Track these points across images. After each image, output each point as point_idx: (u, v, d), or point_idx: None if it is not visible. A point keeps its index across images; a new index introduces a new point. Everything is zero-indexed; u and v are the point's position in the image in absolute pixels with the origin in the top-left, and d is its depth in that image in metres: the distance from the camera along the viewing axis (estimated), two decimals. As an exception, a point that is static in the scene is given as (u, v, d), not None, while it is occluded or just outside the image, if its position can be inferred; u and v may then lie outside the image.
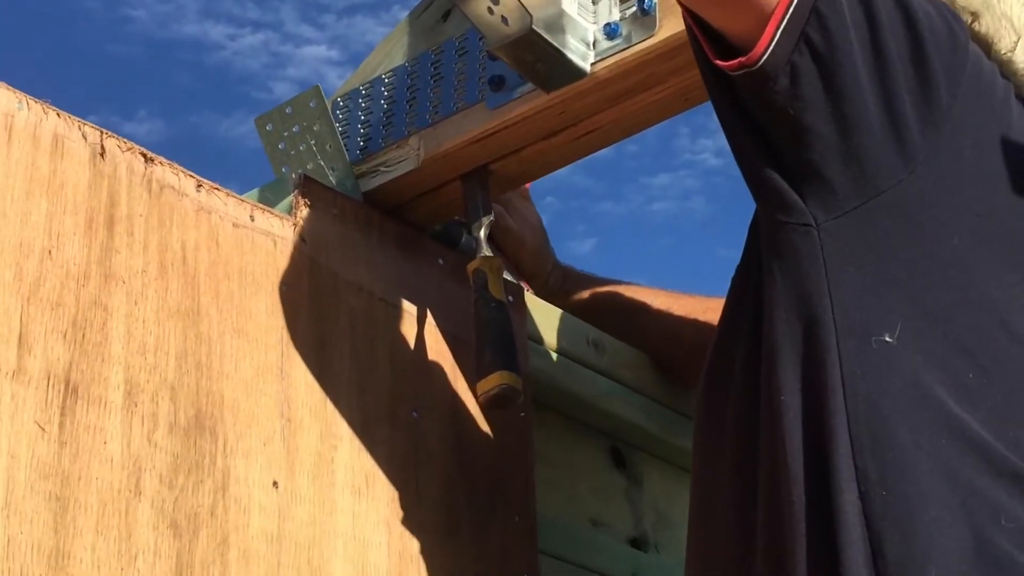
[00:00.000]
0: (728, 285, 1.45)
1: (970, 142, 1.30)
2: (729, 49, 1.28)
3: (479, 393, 1.60)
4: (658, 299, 2.01)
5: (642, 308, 2.00)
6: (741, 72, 1.26)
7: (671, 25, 1.56)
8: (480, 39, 1.73)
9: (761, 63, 1.24)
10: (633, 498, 2.11)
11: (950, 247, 1.26)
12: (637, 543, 2.08)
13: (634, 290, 2.03)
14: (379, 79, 1.83)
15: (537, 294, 1.97)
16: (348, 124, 1.82)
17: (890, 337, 1.22)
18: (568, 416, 2.02)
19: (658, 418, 2.14)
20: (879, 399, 1.21)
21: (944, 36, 1.30)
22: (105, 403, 1.39)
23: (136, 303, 1.46)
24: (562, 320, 2.01)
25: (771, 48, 1.24)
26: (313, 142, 1.79)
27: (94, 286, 1.42)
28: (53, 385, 1.35)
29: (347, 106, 1.84)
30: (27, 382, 1.33)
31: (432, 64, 1.78)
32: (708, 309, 1.90)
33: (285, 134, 1.81)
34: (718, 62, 1.28)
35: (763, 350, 1.30)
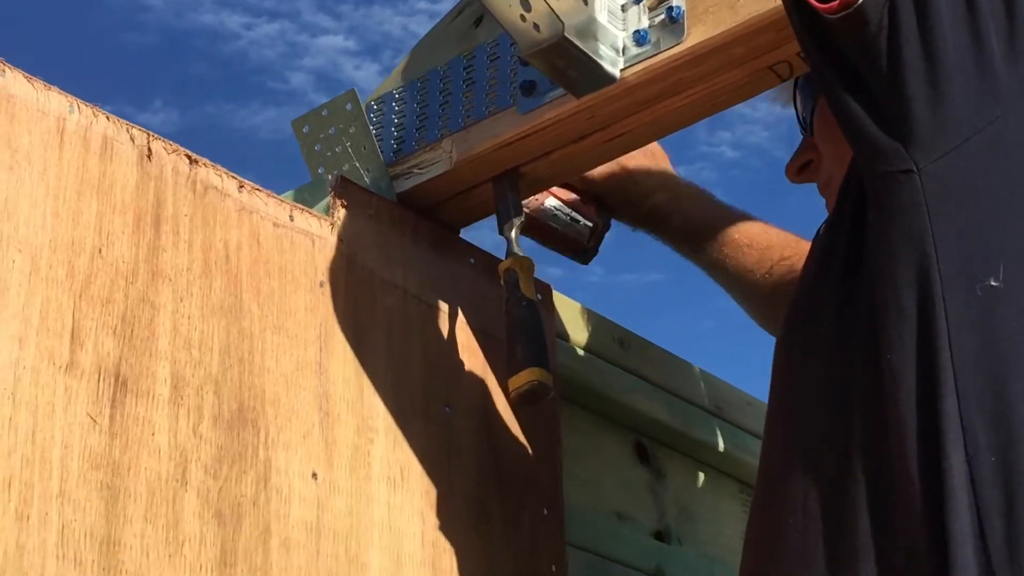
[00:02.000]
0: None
1: None
2: None
3: (511, 389, 1.65)
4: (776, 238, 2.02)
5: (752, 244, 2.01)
6: (840, 15, 1.25)
7: (699, 32, 1.61)
8: (512, 45, 1.78)
9: (861, 1, 1.25)
10: (657, 492, 2.16)
11: None
12: (660, 536, 2.13)
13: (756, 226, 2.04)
14: (413, 83, 1.88)
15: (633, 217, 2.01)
16: (382, 127, 1.87)
17: (995, 281, 1.17)
18: (594, 411, 2.07)
19: (681, 413, 2.19)
20: (986, 350, 1.16)
21: None
22: (153, 396, 1.44)
23: (182, 300, 1.51)
24: (589, 318, 2.06)
25: None
26: (349, 144, 1.84)
27: (142, 283, 1.48)
28: (104, 378, 1.41)
29: (380, 109, 1.89)
30: (79, 375, 1.39)
31: (464, 69, 1.83)
32: None
33: (321, 136, 1.86)
34: (817, 4, 1.27)
35: (862, 310, 1.25)
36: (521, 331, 1.67)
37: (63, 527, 1.32)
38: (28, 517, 1.30)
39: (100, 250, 1.45)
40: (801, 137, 1.71)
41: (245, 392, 1.54)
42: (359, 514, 1.61)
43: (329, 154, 1.86)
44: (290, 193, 1.77)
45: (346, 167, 1.84)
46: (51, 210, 1.42)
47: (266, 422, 1.55)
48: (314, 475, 1.58)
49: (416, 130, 1.85)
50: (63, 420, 1.36)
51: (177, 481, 1.44)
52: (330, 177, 1.76)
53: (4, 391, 1.31)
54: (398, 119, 1.87)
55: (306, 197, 1.75)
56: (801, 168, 1.56)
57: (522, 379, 1.63)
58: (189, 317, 1.51)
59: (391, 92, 1.90)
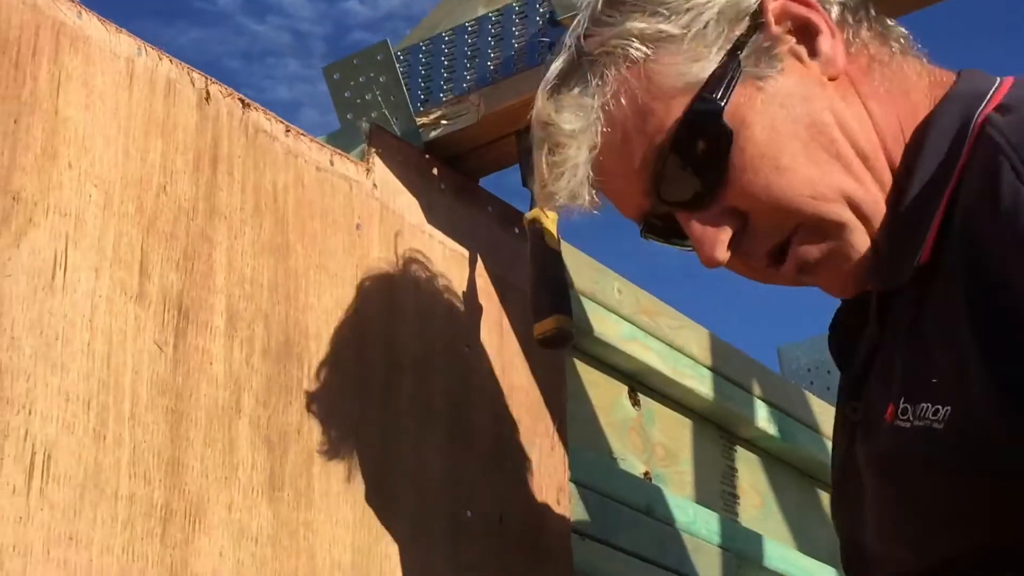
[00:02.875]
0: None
1: None
2: None
3: (536, 334, 1.74)
4: None
5: None
6: None
7: None
8: (538, 5, 1.87)
9: None
10: (646, 435, 2.27)
11: None
12: (648, 476, 2.25)
13: None
14: (439, 36, 1.96)
15: None
16: (408, 77, 1.96)
17: None
18: (593, 357, 2.18)
19: (672, 362, 2.30)
20: None
21: None
22: (211, 328, 1.53)
23: (236, 237, 1.59)
24: (593, 268, 2.17)
25: None
26: (379, 93, 1.92)
27: (201, 220, 1.56)
28: (168, 309, 1.49)
29: (407, 60, 1.97)
30: (147, 306, 1.47)
31: (492, 26, 1.92)
32: None
33: (352, 83, 1.94)
34: None
35: None
36: (546, 279, 1.77)
37: (134, 448, 1.41)
38: (104, 437, 1.38)
39: (164, 187, 1.53)
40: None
41: (291, 326, 1.62)
42: (386, 445, 1.70)
43: (359, 101, 1.94)
44: (324, 138, 1.85)
45: (375, 115, 1.92)
46: (122, 147, 1.49)
47: (309, 356, 1.64)
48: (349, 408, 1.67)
49: (443, 82, 1.93)
50: (133, 347, 1.44)
51: (232, 408, 1.52)
52: (365, 125, 1.84)
53: (83, 318, 1.40)
54: (425, 71, 1.96)
55: (341, 143, 1.83)
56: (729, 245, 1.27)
57: (548, 325, 1.73)
58: (242, 254, 1.59)
59: (418, 44, 1.98)
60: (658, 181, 1.26)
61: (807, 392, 2.70)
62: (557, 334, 1.73)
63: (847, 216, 1.24)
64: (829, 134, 1.24)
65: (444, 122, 1.91)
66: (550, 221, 1.83)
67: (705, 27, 1.25)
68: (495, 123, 1.88)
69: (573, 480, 1.99)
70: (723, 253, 1.26)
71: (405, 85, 1.94)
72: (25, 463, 1.30)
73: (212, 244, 1.56)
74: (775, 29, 1.25)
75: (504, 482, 1.86)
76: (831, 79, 1.26)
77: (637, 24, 1.25)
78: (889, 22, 1.32)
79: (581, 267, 2.14)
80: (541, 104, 1.30)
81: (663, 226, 1.30)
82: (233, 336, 1.55)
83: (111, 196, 1.46)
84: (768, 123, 1.23)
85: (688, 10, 1.25)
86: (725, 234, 1.25)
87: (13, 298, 1.34)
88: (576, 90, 1.27)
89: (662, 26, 1.25)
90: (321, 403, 1.63)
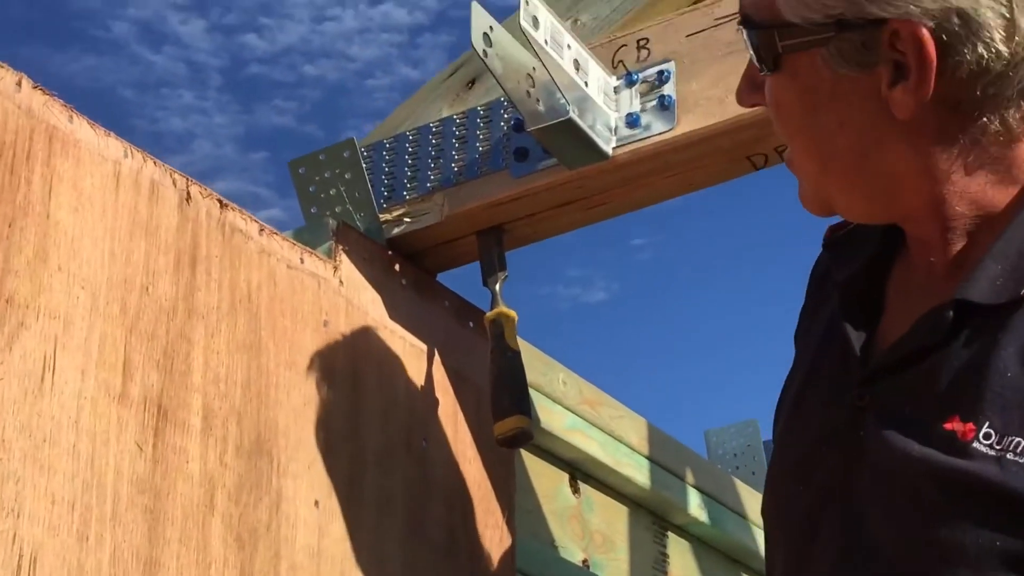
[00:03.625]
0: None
1: None
2: None
3: (497, 433, 1.80)
4: None
5: None
6: None
7: (689, 121, 1.78)
8: (504, 111, 1.94)
9: None
10: (585, 522, 2.33)
11: None
12: (586, 563, 2.31)
13: None
14: (403, 135, 2.02)
15: None
16: (372, 173, 2.01)
17: None
18: (538, 446, 2.23)
19: (612, 451, 2.37)
20: None
21: None
22: (188, 426, 1.56)
23: (212, 336, 1.63)
24: (541, 360, 2.23)
25: None
26: (344, 189, 1.97)
27: (180, 320, 1.59)
28: (148, 409, 1.52)
29: (371, 156, 2.03)
30: (129, 405, 1.50)
31: (456, 128, 1.98)
32: None
33: (317, 178, 1.99)
34: None
35: None
36: (507, 380, 1.83)
37: (115, 548, 1.44)
38: (87, 538, 1.41)
39: (147, 288, 1.56)
40: None
41: (262, 424, 1.66)
42: (352, 539, 1.74)
43: (323, 196, 1.98)
44: (290, 232, 1.90)
45: (339, 209, 1.97)
46: (108, 249, 1.53)
47: (278, 452, 1.68)
48: (316, 503, 1.71)
49: (406, 180, 1.99)
50: (116, 447, 1.47)
51: (206, 506, 1.56)
52: (332, 222, 1.88)
53: (70, 419, 1.43)
54: (388, 168, 2.01)
55: (307, 238, 1.88)
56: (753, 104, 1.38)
57: (508, 425, 1.78)
58: (218, 352, 1.63)
59: (382, 142, 2.03)
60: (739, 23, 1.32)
61: (734, 478, 2.78)
62: (517, 435, 1.79)
63: (805, 180, 1.31)
64: (853, 142, 1.26)
65: (407, 220, 1.96)
66: (510, 322, 1.89)
67: None
68: (457, 223, 1.94)
69: (518, 570, 2.04)
70: (742, 104, 1.35)
71: (369, 181, 1.99)
72: (12, 566, 1.33)
73: (191, 343, 1.60)
74: (883, 46, 1.22)
75: (457, 573, 1.90)
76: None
77: None
78: None
79: (530, 359, 2.19)
80: None
81: None
82: (208, 434, 1.59)
83: (97, 297, 1.50)
84: (807, 93, 1.26)
85: None
86: (750, 99, 1.33)
87: (5, 401, 1.37)
88: None
89: None
90: (288, 499, 1.67)
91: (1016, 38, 1.18)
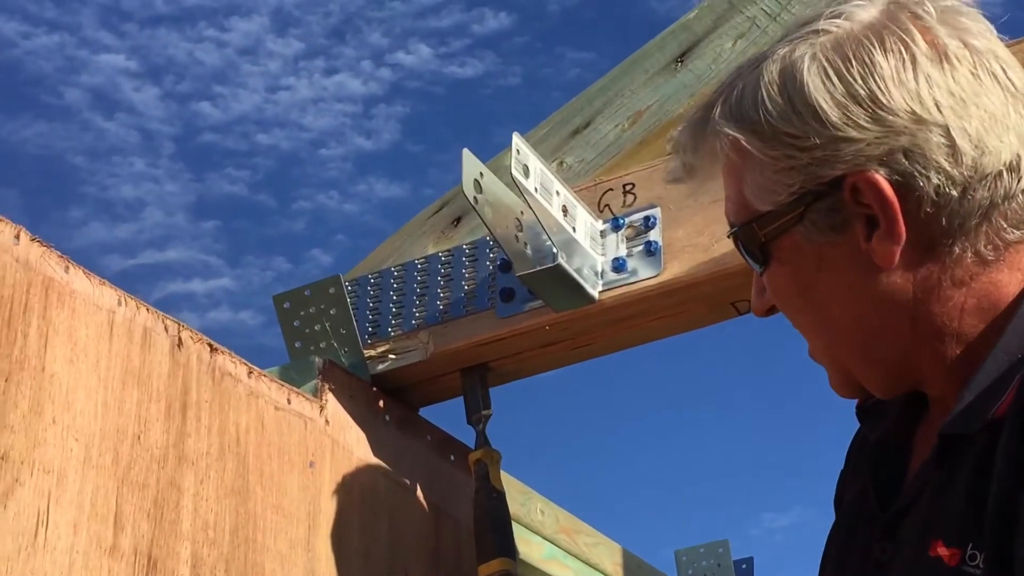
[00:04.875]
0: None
1: None
2: None
3: (482, 575, 1.80)
4: None
5: None
6: None
7: (674, 268, 1.81)
8: (488, 250, 1.96)
9: None
10: (561, 652, 2.33)
11: None
12: None
13: None
14: (388, 271, 2.04)
15: None
16: (356, 308, 2.02)
17: None
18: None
19: (587, 580, 2.37)
20: None
21: None
22: (176, 576, 1.56)
23: (202, 482, 1.63)
24: (519, 490, 2.24)
25: None
26: (328, 324, 1.98)
27: (171, 467, 1.59)
28: (139, 560, 1.52)
29: (355, 291, 2.04)
30: (120, 558, 1.50)
31: (442, 265, 2.00)
32: None
33: (302, 313, 2.00)
34: None
35: None
36: (491, 521, 1.84)
37: None
38: None
39: (139, 437, 1.56)
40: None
41: (249, 569, 1.66)
42: None
43: (307, 331, 1.99)
44: (276, 369, 1.90)
45: (323, 344, 1.98)
46: (101, 400, 1.53)
47: (265, 598, 1.67)
48: (301, 648, 1.70)
49: (391, 316, 2.00)
50: (106, 601, 1.47)
51: (194, 658, 1.55)
52: (318, 361, 1.89)
53: (62, 575, 1.42)
54: (373, 303, 2.02)
55: (293, 376, 1.89)
56: (770, 309, 1.39)
57: (493, 568, 1.79)
58: (207, 499, 1.63)
59: (366, 276, 2.05)
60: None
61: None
62: (501, 576, 1.79)
63: (829, 367, 1.33)
64: (854, 314, 1.28)
65: (392, 356, 1.97)
66: (495, 462, 1.90)
67: (791, 169, 1.27)
68: (442, 361, 1.95)
69: None
70: (758, 314, 1.36)
71: (353, 317, 2.00)
72: None
73: (180, 491, 1.60)
74: (847, 203, 1.26)
75: None
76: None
77: (748, 130, 1.29)
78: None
79: (508, 490, 2.20)
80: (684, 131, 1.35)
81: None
82: (196, 583, 1.58)
83: (90, 449, 1.50)
84: (799, 276, 1.29)
85: (789, 144, 1.28)
86: (761, 304, 1.35)
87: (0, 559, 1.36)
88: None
89: (752, 146, 1.29)
90: (274, 646, 1.66)
91: (964, 161, 1.23)
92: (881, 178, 1.23)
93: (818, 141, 1.25)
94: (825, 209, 1.27)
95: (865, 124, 1.24)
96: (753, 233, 1.29)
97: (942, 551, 1.21)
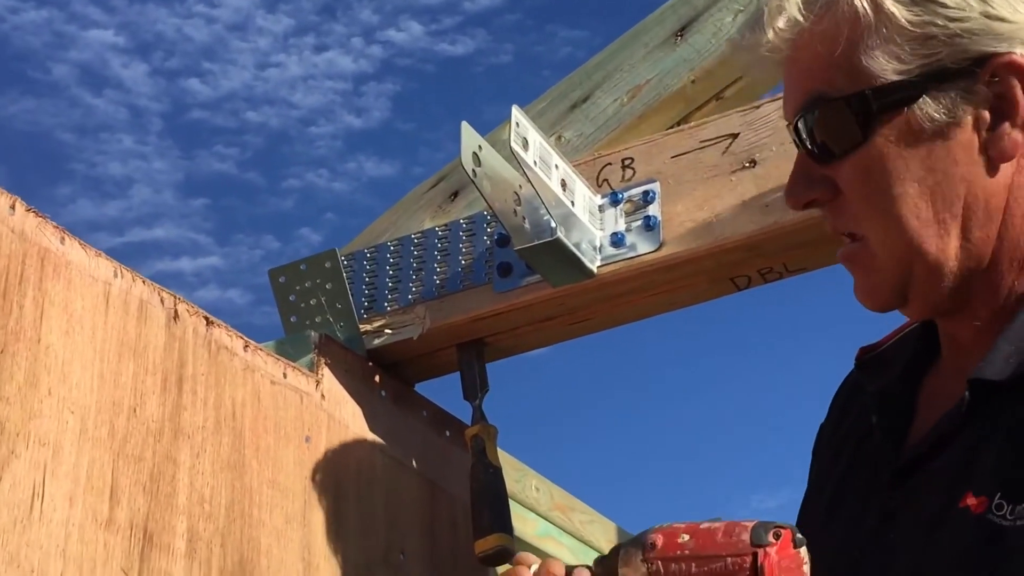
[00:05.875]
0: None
1: None
2: None
3: (478, 551, 1.79)
4: None
5: None
6: None
7: (674, 243, 1.80)
8: (486, 224, 1.95)
9: None
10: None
11: None
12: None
13: None
14: (384, 245, 2.02)
15: None
16: (352, 283, 2.01)
17: None
18: (513, 553, 2.22)
19: (582, 556, 2.36)
20: None
21: None
22: (172, 550, 1.55)
23: (198, 456, 1.62)
24: (514, 467, 2.23)
25: None
26: (324, 299, 1.97)
27: (167, 441, 1.58)
28: (135, 534, 1.51)
29: (351, 266, 2.03)
30: (116, 531, 1.49)
31: (438, 240, 1.98)
32: None
33: (297, 288, 1.98)
34: None
35: None
36: (487, 497, 1.83)
37: None
38: (74, 670, 1.39)
39: (135, 410, 1.55)
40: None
41: (245, 544, 1.65)
42: (331, 660, 1.73)
43: (303, 305, 1.98)
44: (271, 343, 1.89)
45: (318, 319, 1.97)
46: (97, 372, 1.52)
47: (261, 572, 1.66)
48: (297, 623, 1.69)
49: (387, 291, 1.99)
50: (102, 574, 1.45)
51: (190, 632, 1.54)
52: (314, 335, 1.88)
53: (57, 548, 1.41)
54: (369, 278, 2.01)
55: (288, 350, 1.87)
56: (808, 204, 1.31)
57: (490, 543, 1.78)
58: (203, 473, 1.62)
59: (363, 251, 2.04)
60: (797, 115, 1.26)
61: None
62: (498, 552, 1.79)
63: (876, 269, 1.25)
64: (948, 207, 1.22)
65: (388, 331, 1.96)
66: (491, 437, 1.89)
67: (931, 38, 1.20)
68: (438, 336, 1.94)
69: None
70: (795, 205, 1.29)
71: (349, 291, 1.99)
72: None
73: (176, 465, 1.59)
74: (982, 86, 1.20)
75: None
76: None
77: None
78: None
79: (504, 467, 2.19)
80: None
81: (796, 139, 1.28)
82: (193, 557, 1.57)
83: (86, 422, 1.48)
84: (901, 158, 1.22)
85: (937, 12, 1.20)
86: (808, 196, 1.27)
87: (-6, 532, 1.35)
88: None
89: (892, 4, 1.21)
90: (271, 621, 1.65)
91: None
92: None
93: (973, 15, 1.18)
94: (957, 89, 1.20)
95: (1021, 9, 1.19)
96: (863, 104, 1.20)
97: (971, 500, 1.18)
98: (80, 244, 1.54)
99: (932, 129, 1.20)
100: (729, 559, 1.22)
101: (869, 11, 1.21)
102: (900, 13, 1.20)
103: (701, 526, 1.26)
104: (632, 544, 1.27)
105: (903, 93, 1.20)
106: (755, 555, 1.21)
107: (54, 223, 1.51)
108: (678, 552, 1.24)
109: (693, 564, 1.23)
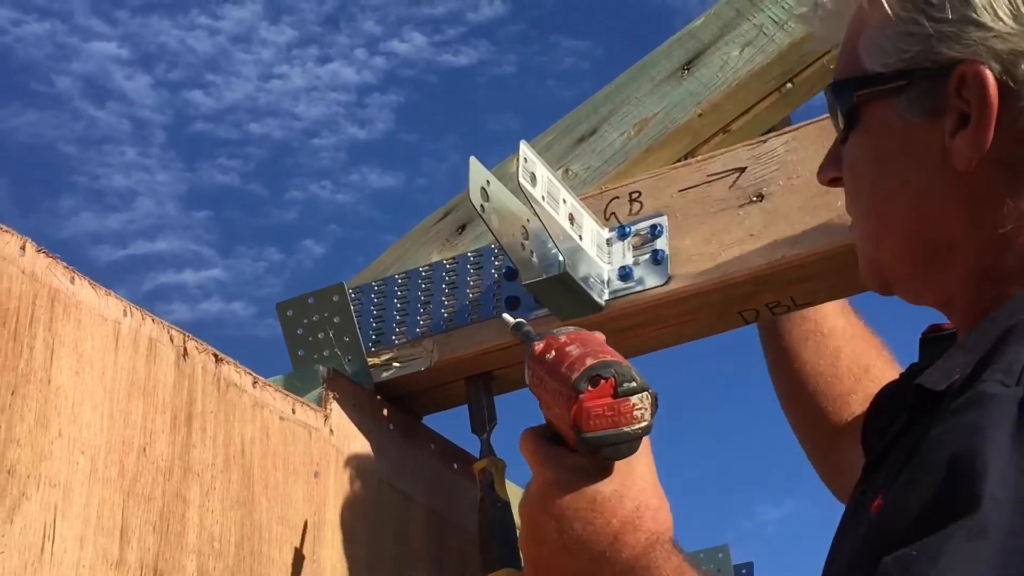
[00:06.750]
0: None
1: None
2: None
3: (487, 587, 1.79)
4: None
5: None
6: None
7: (681, 277, 1.80)
8: (494, 258, 1.95)
9: None
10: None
11: None
12: None
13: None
14: (392, 279, 2.02)
15: None
16: (359, 316, 2.01)
17: None
18: (519, 586, 2.22)
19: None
20: None
21: None
22: (183, 589, 1.55)
23: (207, 494, 1.62)
24: (517, 496, 2.22)
25: None
26: (332, 332, 1.97)
27: (176, 479, 1.58)
28: (144, 574, 1.51)
29: (359, 299, 2.03)
30: (126, 571, 1.49)
31: (446, 273, 1.98)
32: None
33: (305, 321, 1.98)
34: None
35: None
36: (495, 531, 1.82)
37: None
38: None
39: (145, 449, 1.55)
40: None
41: (255, 582, 1.65)
42: None
43: (311, 339, 1.98)
44: (280, 378, 1.89)
45: (326, 352, 1.97)
46: (107, 412, 1.52)
47: (270, 611, 1.66)
48: (307, 661, 1.69)
49: (395, 324, 1.99)
50: (112, 616, 1.45)
51: (201, 671, 1.54)
52: (322, 369, 1.88)
53: (68, 590, 1.41)
54: (377, 311, 2.01)
55: (297, 384, 1.87)
56: (832, 180, 1.37)
57: (497, 579, 1.78)
58: (212, 511, 1.62)
59: (370, 284, 2.04)
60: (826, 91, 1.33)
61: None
62: (507, 588, 1.78)
63: (867, 249, 1.31)
64: (910, 209, 1.25)
65: (396, 364, 1.96)
66: (500, 471, 1.89)
67: (911, 35, 1.23)
68: (446, 370, 1.94)
69: None
70: (822, 181, 1.37)
71: (357, 325, 1.99)
72: None
73: (186, 503, 1.59)
74: (949, 91, 1.22)
75: None
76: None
77: None
78: None
79: (512, 498, 2.19)
80: None
81: None
82: (202, 596, 1.57)
83: (96, 462, 1.48)
84: (875, 148, 1.27)
85: (922, 9, 1.23)
86: (828, 173, 1.35)
87: (5, 575, 1.35)
88: None
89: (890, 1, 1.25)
90: (280, 659, 1.65)
91: None
92: (991, 76, 1.19)
93: (950, 16, 1.20)
94: (926, 89, 1.23)
95: (1004, 16, 1.19)
96: (850, 91, 1.27)
97: (878, 502, 1.17)
98: (90, 283, 1.54)
99: (902, 126, 1.24)
100: (563, 392, 1.33)
101: (868, 3, 1.26)
102: (890, 6, 1.24)
103: (568, 346, 1.39)
104: (534, 337, 1.45)
105: (880, 86, 1.25)
106: (570, 399, 1.31)
107: (64, 263, 1.51)
108: (540, 367, 1.38)
109: (546, 381, 1.36)
